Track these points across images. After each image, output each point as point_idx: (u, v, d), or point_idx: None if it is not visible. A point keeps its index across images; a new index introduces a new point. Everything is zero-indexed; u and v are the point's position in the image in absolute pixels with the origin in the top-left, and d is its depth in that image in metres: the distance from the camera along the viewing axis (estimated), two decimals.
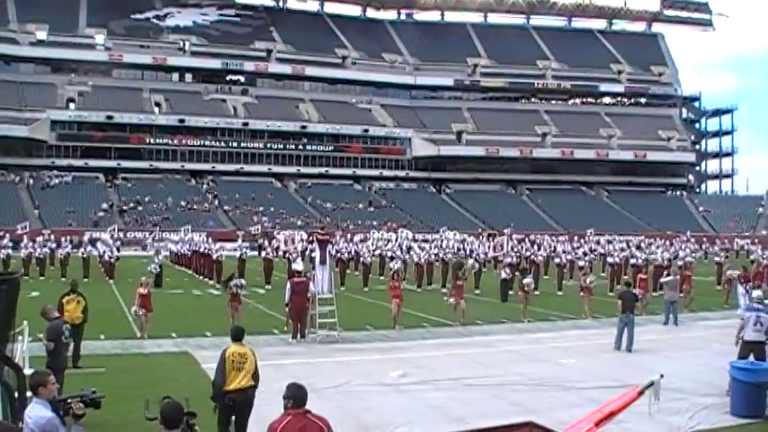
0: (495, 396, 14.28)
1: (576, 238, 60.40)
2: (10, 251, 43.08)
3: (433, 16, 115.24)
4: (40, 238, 47.62)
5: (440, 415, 12.98)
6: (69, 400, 6.98)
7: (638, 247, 46.45)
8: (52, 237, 50.73)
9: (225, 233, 66.30)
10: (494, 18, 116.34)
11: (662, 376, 8.41)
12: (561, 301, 31.13)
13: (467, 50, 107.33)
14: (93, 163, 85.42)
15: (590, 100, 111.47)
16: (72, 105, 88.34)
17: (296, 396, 6.81)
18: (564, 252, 42.21)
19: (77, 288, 17.97)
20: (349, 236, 54.00)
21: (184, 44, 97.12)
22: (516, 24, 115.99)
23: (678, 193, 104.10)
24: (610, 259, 39.49)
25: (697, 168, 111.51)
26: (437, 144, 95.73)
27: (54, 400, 7.13)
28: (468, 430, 8.85)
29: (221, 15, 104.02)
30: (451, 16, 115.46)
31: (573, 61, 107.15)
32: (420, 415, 12.87)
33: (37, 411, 6.99)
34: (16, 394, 9.60)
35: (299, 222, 76.27)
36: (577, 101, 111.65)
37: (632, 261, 37.76)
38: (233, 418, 10.31)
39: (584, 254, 42.51)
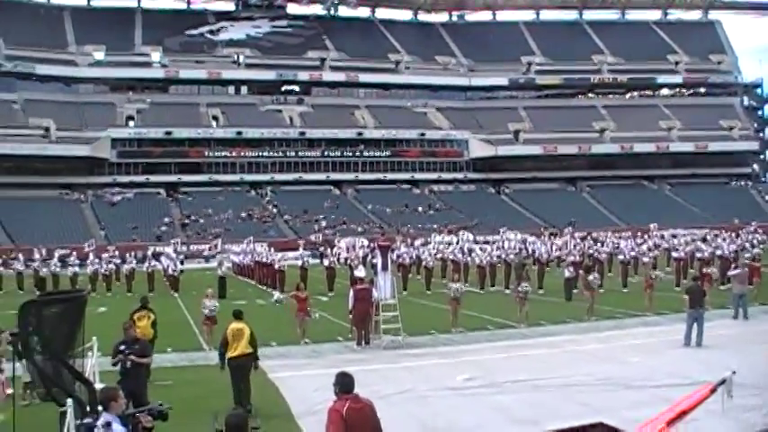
0: (563, 397, 14.15)
1: (639, 233, 59.48)
2: (77, 268, 43.89)
3: (484, 16, 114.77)
4: (105, 255, 48.38)
5: (508, 418, 12.91)
6: (138, 414, 7.11)
7: (704, 240, 45.55)
8: (117, 253, 51.52)
9: (286, 242, 66.68)
10: (546, 15, 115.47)
11: (734, 372, 8.22)
12: (627, 298, 30.72)
13: (520, 49, 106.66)
14: (153, 178, 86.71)
15: (648, 93, 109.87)
16: (131, 123, 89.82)
17: (344, 383, 7.74)
18: (627, 248, 41.61)
19: (148, 304, 18.26)
20: (410, 240, 53.90)
21: (238, 57, 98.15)
22: (569, 20, 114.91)
23: (742, 183, 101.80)
24: (675, 254, 38.60)
25: (761, 157, 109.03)
26: (494, 144, 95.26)
27: (123, 414, 7.26)
28: None
29: (274, 27, 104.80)
30: (503, 15, 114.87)
31: (629, 54, 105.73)
32: (488, 418, 12.82)
33: (110, 426, 7.12)
34: (87, 408, 9.80)
35: (359, 229, 76.42)
36: (635, 94, 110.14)
37: (698, 255, 37.12)
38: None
39: (649, 249, 41.85)
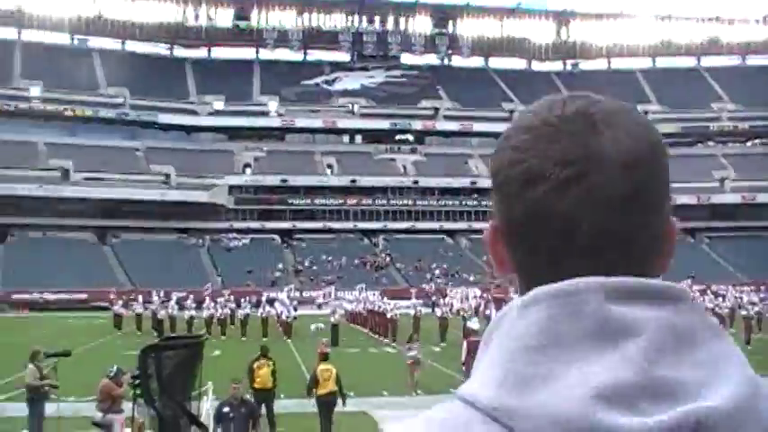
0: None
1: (762, 287, 57.30)
2: (193, 312, 44.81)
3: (599, 65, 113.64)
4: (221, 299, 49.24)
5: None
6: None
7: None
8: (232, 297, 52.34)
9: (398, 291, 66.78)
10: (663, 62, 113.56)
11: None
12: (750, 356, 29.38)
13: (637, 96, 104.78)
14: (269, 225, 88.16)
15: None
16: (248, 170, 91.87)
17: None
18: (751, 303, 40.05)
19: (268, 353, 18.37)
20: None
21: (353, 106, 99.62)
22: (687, 66, 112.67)
23: None
24: None
25: None
26: None
27: None
28: None
29: (388, 77, 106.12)
30: (619, 63, 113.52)
31: (750, 101, 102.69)
32: None
33: None
34: None
35: (472, 278, 75.88)
36: (756, 141, 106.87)
37: None
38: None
39: None
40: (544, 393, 0.82)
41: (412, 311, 39.97)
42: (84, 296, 68.83)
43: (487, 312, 25.32)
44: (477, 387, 0.88)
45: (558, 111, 0.91)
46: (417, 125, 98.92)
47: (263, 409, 17.30)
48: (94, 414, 14.35)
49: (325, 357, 17.57)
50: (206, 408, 14.23)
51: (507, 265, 1.00)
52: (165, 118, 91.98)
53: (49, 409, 16.95)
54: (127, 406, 14.53)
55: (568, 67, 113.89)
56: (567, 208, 0.87)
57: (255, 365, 17.56)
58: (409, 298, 55.62)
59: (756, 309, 38.89)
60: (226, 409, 12.55)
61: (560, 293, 0.87)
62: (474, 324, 25.65)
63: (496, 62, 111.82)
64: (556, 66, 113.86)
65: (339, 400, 16.72)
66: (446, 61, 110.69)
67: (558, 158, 0.87)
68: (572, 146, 0.88)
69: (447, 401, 0.93)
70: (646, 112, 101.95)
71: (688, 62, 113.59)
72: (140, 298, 49.79)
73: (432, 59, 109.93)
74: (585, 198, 0.87)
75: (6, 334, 41.71)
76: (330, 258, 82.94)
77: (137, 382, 13.42)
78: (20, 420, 17.03)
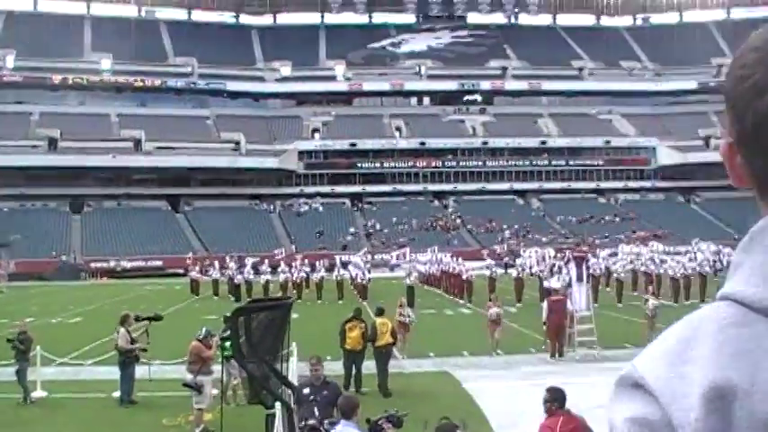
0: None
1: None
2: (269, 276, 45.32)
3: (670, 18, 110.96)
4: (295, 263, 49.64)
5: None
6: (380, 422, 7.16)
7: None
8: (306, 261, 52.68)
9: (470, 252, 66.60)
10: (737, 13, 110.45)
11: None
12: None
13: (710, 50, 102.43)
14: (339, 189, 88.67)
15: None
16: (317, 135, 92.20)
17: (560, 398, 7.70)
18: None
19: (360, 315, 18.55)
20: (598, 251, 52.60)
21: (420, 68, 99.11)
22: (762, 17, 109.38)
23: None
24: None
25: None
26: (683, 151, 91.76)
27: (368, 420, 7.37)
28: None
29: (454, 38, 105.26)
30: (691, 16, 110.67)
31: None
32: None
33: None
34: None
35: (544, 239, 75.37)
36: None
37: None
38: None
39: None
40: None
41: (487, 272, 39.85)
42: (159, 263, 70.26)
43: (567, 271, 25.07)
44: (743, 286, 0.95)
45: None
46: (485, 85, 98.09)
47: (353, 370, 17.54)
48: (185, 376, 14.63)
49: (381, 312, 18.76)
50: (292, 369, 14.42)
51: (744, 179, 1.10)
52: (233, 86, 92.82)
53: (140, 371, 17.40)
54: (216, 368, 14.84)
55: (638, 22, 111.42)
56: None
57: (348, 326, 17.72)
58: (481, 259, 55.33)
59: None
60: (306, 391, 10.96)
61: None
62: (555, 283, 25.43)
63: (565, 19, 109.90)
64: (625, 20, 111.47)
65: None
66: (513, 20, 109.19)
67: None
68: None
69: (708, 305, 1.01)
70: (720, 66, 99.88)
71: (764, 12, 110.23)
72: (216, 264, 50.50)
73: (498, 18, 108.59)
74: None
75: (87, 301, 42.81)
76: (401, 221, 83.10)
77: (226, 343, 13.69)
78: (110, 384, 17.47)
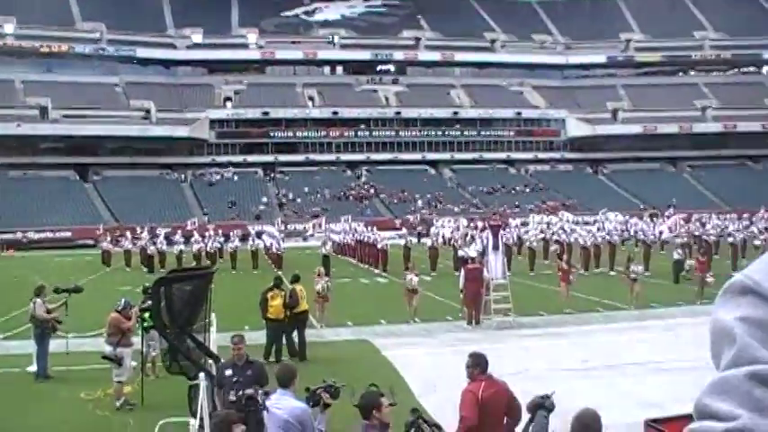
0: (685, 380, 13.81)
1: (744, 215, 57.68)
2: (182, 246, 44.84)
3: None
4: (208, 233, 49.24)
5: (633, 401, 12.69)
6: (318, 391, 7.23)
7: None
8: (220, 231, 52.30)
9: (383, 222, 66.96)
10: None
11: None
12: None
13: (619, 26, 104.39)
14: (251, 158, 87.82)
15: (752, 69, 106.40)
16: (229, 104, 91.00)
17: (482, 363, 7.80)
18: (737, 231, 40.49)
19: (282, 284, 18.50)
20: (510, 220, 53.50)
21: (334, 38, 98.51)
22: None
23: None
24: None
25: None
26: (592, 123, 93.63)
27: (307, 389, 7.43)
28: (671, 416, 8.53)
29: (368, 7, 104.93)
30: None
31: (732, 30, 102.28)
32: (612, 400, 12.60)
33: (289, 402, 7.27)
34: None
35: (456, 209, 76.23)
36: (738, 71, 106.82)
37: None
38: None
39: (760, 232, 40.67)
40: None
41: (401, 242, 40.18)
42: (68, 234, 68.60)
43: (481, 240, 25.47)
44: None
45: None
46: (399, 55, 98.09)
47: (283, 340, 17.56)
48: (103, 348, 14.43)
49: (297, 279, 18.97)
50: (212, 339, 14.35)
51: None
52: (143, 52, 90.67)
53: (57, 344, 17.07)
54: (136, 340, 14.70)
55: None
56: None
57: (269, 296, 17.70)
58: (395, 228, 55.82)
59: (741, 236, 39.40)
60: (229, 372, 10.19)
61: None
62: (472, 252, 25.84)
63: None
64: None
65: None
66: None
67: None
68: None
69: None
70: (628, 41, 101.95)
71: None
72: (128, 234, 49.74)
73: None
74: None
75: None
76: (314, 191, 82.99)
77: (146, 315, 13.56)
78: (23, 358, 17.13)
